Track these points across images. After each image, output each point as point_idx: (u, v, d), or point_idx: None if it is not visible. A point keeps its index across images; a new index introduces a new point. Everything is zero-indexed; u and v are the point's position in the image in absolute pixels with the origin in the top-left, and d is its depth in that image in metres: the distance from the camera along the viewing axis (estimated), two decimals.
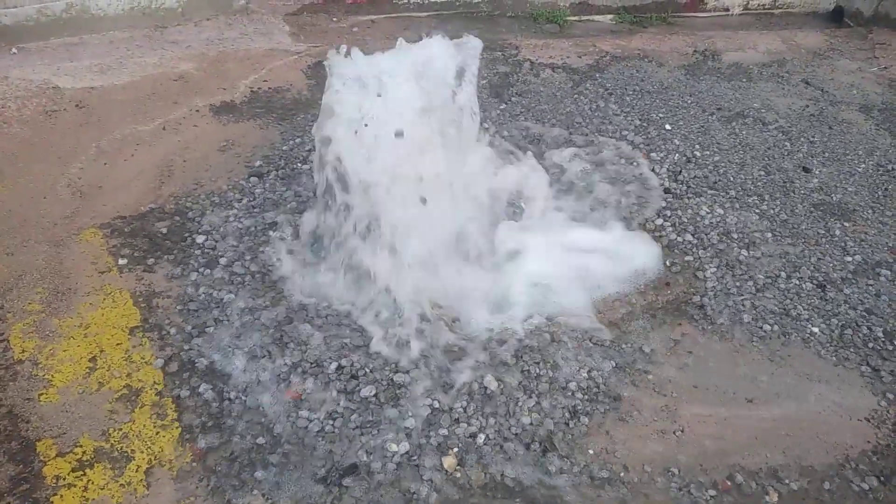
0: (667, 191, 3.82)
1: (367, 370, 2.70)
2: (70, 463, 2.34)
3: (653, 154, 4.13)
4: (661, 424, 2.63)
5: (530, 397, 2.67)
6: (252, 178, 3.68)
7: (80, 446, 2.39)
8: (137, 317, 2.87)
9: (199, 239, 3.27)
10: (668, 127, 4.43)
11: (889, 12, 5.95)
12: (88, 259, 3.12)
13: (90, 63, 4.48)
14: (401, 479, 2.37)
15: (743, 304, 3.16)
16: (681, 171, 3.98)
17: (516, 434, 2.54)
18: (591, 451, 2.51)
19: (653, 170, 3.96)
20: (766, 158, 4.22)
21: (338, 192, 2.90)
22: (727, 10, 6.28)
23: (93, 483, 2.30)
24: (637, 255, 3.36)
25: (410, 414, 2.56)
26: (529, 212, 3.55)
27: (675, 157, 4.11)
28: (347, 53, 2.88)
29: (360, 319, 2.93)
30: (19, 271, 3.02)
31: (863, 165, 4.20)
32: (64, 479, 2.30)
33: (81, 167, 3.64)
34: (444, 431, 2.52)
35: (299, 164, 3.79)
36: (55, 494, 2.26)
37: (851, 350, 2.98)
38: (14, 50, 4.55)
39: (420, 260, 2.95)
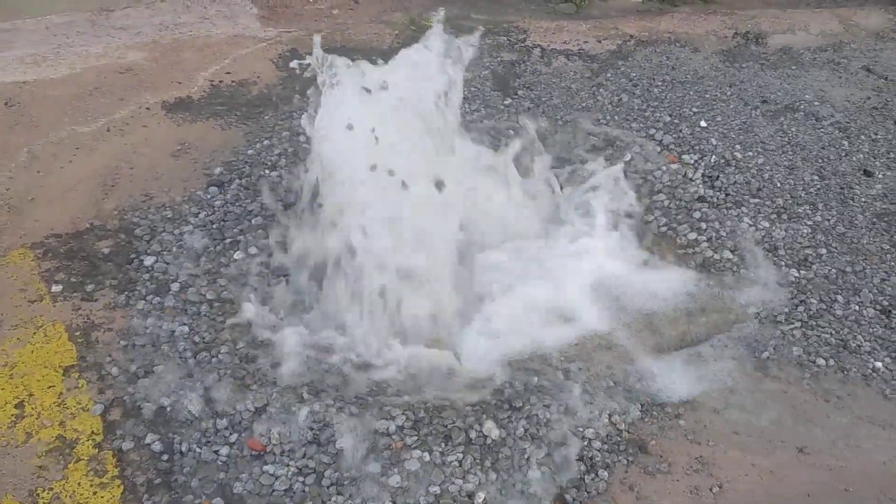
0: (701, 199, 3.83)
1: (345, 415, 2.70)
2: None
3: (685, 156, 4.14)
4: (695, 479, 2.61)
5: (539, 447, 2.66)
6: (211, 189, 3.70)
7: None
8: (73, 354, 2.87)
9: (148, 261, 3.28)
10: (703, 124, 4.44)
11: None
12: (16, 285, 3.13)
13: (22, 53, 4.52)
14: None
15: (793, 335, 3.16)
16: (718, 177, 3.99)
17: (522, 492, 2.53)
18: None
19: (685, 175, 3.98)
20: (820, 160, 4.23)
21: None
22: None
23: None
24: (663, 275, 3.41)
25: (395, 469, 2.56)
26: None
27: (712, 160, 4.12)
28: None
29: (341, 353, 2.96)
30: None
31: None
32: None
33: (10, 176, 3.67)
34: (435, 489, 2.51)
35: (267, 172, 3.81)
36: None
37: None
38: None
39: None
